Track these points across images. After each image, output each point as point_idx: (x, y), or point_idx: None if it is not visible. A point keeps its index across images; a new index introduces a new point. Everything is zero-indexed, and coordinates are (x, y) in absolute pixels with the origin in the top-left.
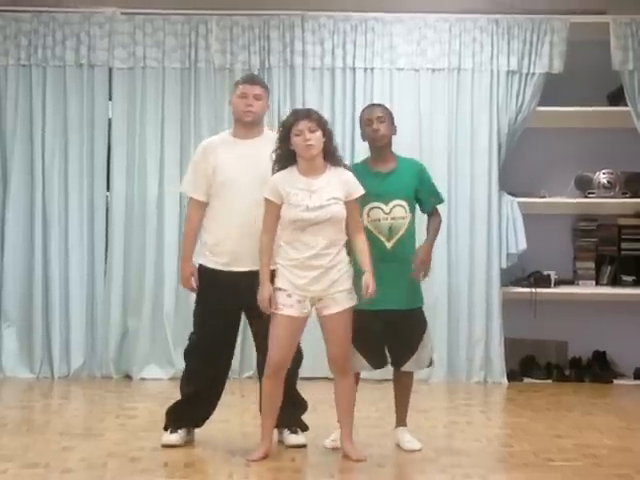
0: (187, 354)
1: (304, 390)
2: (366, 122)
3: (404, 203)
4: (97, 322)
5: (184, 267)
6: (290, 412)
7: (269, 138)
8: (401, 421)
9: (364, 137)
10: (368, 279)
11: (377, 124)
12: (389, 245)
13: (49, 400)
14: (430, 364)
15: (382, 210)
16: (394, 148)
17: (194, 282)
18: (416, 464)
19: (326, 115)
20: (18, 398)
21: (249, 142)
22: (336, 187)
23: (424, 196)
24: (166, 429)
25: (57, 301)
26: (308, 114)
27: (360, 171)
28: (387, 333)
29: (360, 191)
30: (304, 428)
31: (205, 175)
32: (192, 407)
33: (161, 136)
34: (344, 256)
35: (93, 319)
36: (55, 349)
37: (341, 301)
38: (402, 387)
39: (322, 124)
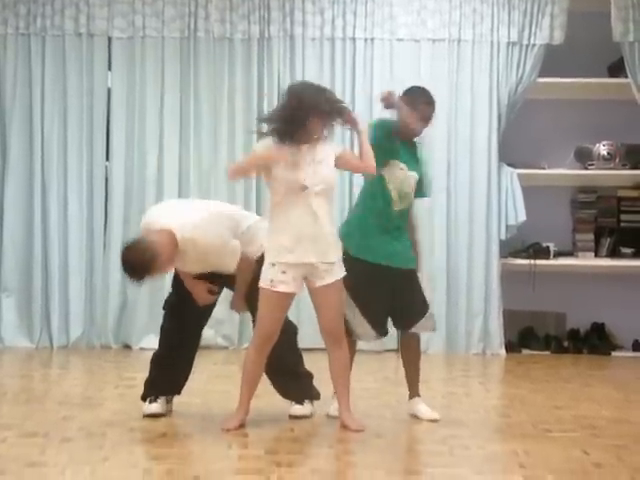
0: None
1: (306, 360)
2: (419, 118)
3: (414, 180)
4: (96, 292)
5: None
6: (298, 386)
7: None
8: (414, 392)
9: (403, 117)
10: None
11: (424, 126)
12: (396, 207)
13: (48, 370)
14: (434, 328)
15: (404, 173)
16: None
17: None
18: (414, 435)
19: (326, 86)
20: (17, 367)
21: None
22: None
23: (421, 181)
24: (144, 399)
25: (56, 271)
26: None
27: (389, 128)
28: (396, 293)
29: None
30: (316, 397)
31: None
32: (164, 372)
33: (160, 106)
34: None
35: (92, 289)
36: (54, 319)
37: (333, 273)
38: (412, 354)
39: None
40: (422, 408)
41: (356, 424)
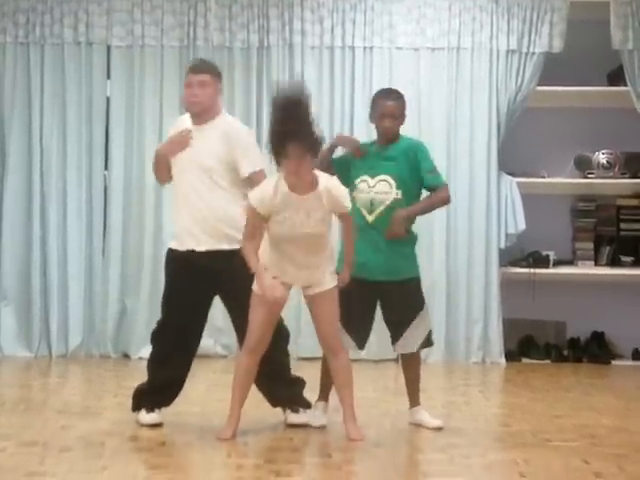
0: (154, 336)
1: (304, 369)
2: (379, 115)
3: (390, 179)
4: (95, 301)
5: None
6: (290, 392)
7: (221, 123)
8: (415, 401)
9: (372, 119)
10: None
11: (389, 122)
12: (370, 218)
13: (47, 379)
14: (426, 344)
15: (367, 183)
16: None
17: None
18: (414, 444)
19: (325, 94)
20: (16, 377)
21: (199, 129)
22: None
23: (421, 173)
24: (135, 410)
25: (55, 280)
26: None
27: (343, 160)
28: (383, 307)
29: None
30: (307, 405)
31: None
32: (159, 390)
33: (159, 115)
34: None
35: (91, 298)
36: (53, 328)
37: (325, 281)
38: (412, 363)
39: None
40: (425, 416)
41: (355, 433)
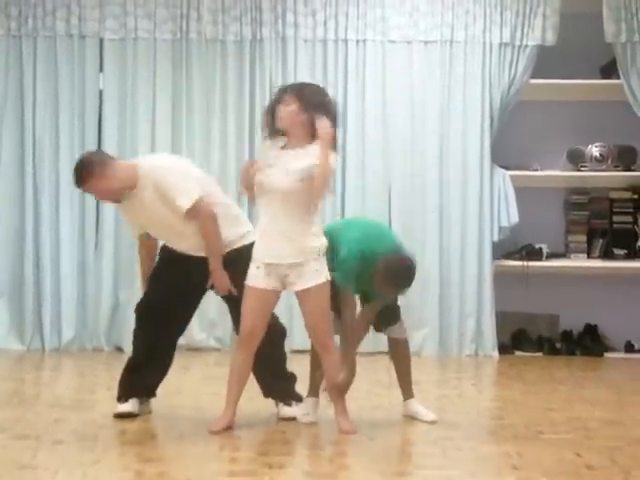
0: (138, 310)
1: (296, 362)
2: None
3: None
4: (88, 294)
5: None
6: (283, 386)
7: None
8: (409, 393)
9: None
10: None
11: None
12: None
13: (40, 372)
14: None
15: None
16: (385, 122)
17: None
18: (407, 437)
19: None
20: (8, 370)
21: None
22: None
23: None
24: (119, 400)
25: (48, 273)
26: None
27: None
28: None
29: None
30: (298, 399)
31: None
32: (135, 376)
33: (152, 107)
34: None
35: (84, 291)
36: (46, 321)
37: (307, 279)
38: (396, 360)
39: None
40: (420, 409)
41: (347, 427)
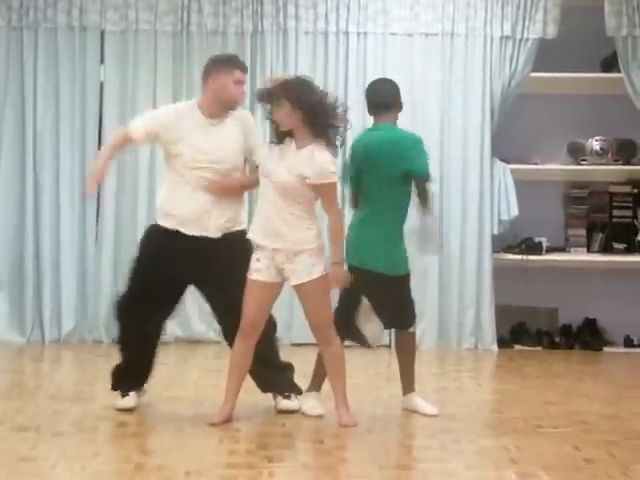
0: (118, 310)
1: (295, 355)
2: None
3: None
4: (88, 286)
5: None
6: (280, 378)
7: (239, 117)
8: (410, 387)
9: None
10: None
11: None
12: None
13: (40, 364)
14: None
15: None
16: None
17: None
18: (406, 430)
19: (318, 80)
20: (8, 362)
21: (219, 122)
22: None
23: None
24: (114, 390)
25: (48, 265)
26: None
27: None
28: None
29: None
30: (298, 391)
31: (159, 133)
32: (129, 372)
33: (153, 99)
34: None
35: (84, 283)
36: (46, 313)
37: (301, 273)
38: (405, 350)
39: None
40: (421, 403)
41: (347, 419)
